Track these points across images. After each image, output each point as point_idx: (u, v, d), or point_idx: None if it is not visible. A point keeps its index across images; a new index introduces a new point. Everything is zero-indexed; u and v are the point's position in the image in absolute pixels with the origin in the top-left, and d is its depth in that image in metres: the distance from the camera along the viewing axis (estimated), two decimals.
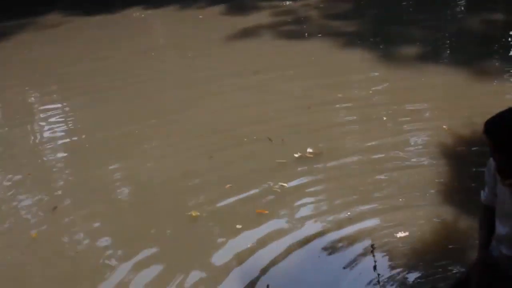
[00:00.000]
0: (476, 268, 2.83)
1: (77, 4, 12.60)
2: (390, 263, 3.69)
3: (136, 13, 11.77)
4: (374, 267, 3.49)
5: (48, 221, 4.60)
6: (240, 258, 3.91)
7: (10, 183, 5.33)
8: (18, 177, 5.44)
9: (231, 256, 3.93)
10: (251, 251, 3.96)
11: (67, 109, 7.19)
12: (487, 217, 2.82)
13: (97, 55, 9.12)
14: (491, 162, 2.67)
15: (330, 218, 4.29)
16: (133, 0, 12.64)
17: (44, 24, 11.24)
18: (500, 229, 2.73)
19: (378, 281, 3.50)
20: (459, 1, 11.67)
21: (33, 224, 4.60)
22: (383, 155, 5.16)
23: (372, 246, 3.24)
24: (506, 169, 2.49)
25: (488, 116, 2.49)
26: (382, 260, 3.66)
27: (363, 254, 3.77)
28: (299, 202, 4.52)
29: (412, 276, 3.58)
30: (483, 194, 2.85)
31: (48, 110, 7.13)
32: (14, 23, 11.24)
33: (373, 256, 3.33)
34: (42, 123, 6.66)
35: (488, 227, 2.82)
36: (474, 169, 4.64)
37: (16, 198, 5.02)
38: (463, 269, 3.50)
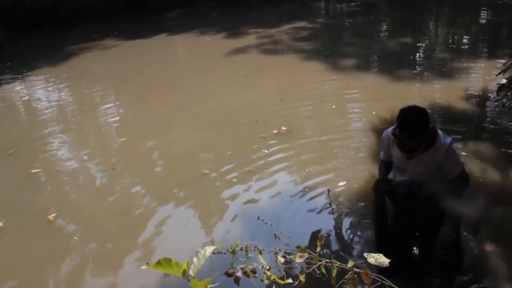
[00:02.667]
0: (376, 183, 2.91)
1: (123, 32, 12.44)
2: (337, 201, 3.76)
3: (163, 39, 11.63)
4: (330, 204, 3.53)
5: (109, 177, 4.61)
6: (236, 198, 3.97)
7: (83, 152, 5.33)
8: (88, 148, 5.43)
9: (229, 197, 4.00)
10: (243, 195, 4.01)
11: (119, 102, 7.13)
12: (385, 166, 2.97)
13: (139, 67, 8.99)
14: (384, 134, 2.82)
15: (296, 172, 4.35)
16: (161, 29, 12.44)
17: (102, 46, 11.09)
18: (397, 177, 2.88)
19: (332, 211, 3.56)
20: (381, 30, 11.65)
21: (98, 179, 4.60)
22: (332, 131, 5.19)
23: (328, 190, 3.26)
24: (407, 148, 2.61)
25: (402, 105, 2.54)
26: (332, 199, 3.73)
27: (319, 195, 3.85)
28: (275, 163, 4.53)
29: (352, 208, 3.65)
30: (381, 154, 2.97)
31: (106, 102, 7.07)
32: (83, 46, 11.14)
33: (329, 196, 3.35)
34: (103, 112, 6.60)
35: (385, 171, 2.96)
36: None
37: (87, 162, 5.01)
38: None
